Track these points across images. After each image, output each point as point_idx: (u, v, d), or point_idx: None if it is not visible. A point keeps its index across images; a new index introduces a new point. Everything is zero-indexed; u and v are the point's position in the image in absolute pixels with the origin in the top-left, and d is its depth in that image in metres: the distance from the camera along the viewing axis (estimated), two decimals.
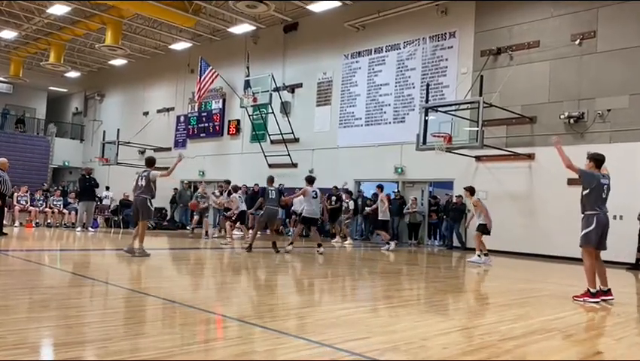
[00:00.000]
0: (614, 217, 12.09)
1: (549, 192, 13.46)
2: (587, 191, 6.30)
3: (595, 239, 6.26)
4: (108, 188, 21.71)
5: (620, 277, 10.07)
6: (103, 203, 19.31)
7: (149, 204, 8.64)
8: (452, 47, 15.84)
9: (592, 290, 6.20)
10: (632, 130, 12.35)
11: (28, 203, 16.73)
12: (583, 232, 6.31)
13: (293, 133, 19.40)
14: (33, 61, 26.79)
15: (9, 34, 22.84)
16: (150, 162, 8.93)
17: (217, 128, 22.63)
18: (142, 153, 25.55)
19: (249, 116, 20.48)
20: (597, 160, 6.48)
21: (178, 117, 24.71)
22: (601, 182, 6.30)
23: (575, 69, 13.38)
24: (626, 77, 12.56)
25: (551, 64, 13.80)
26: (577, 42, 13.33)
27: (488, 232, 10.97)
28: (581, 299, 6.21)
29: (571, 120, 13.16)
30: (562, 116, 13.30)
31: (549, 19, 13.93)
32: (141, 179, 8.69)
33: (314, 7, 17.74)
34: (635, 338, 4.65)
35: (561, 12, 13.75)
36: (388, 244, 13.55)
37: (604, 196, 6.30)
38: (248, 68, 20.31)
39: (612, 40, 12.84)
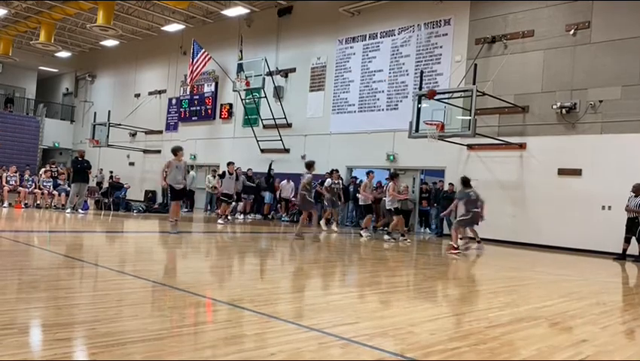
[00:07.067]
0: (602, 208, 12.35)
1: (539, 181, 13.55)
2: None
3: None
4: None
5: (607, 267, 10.20)
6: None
7: (309, 198, 11.13)
8: (446, 34, 15.79)
9: None
10: (623, 121, 12.42)
11: (17, 183, 16.59)
12: None
13: (285, 118, 19.32)
14: (23, 40, 26.39)
15: None
16: (310, 166, 11.04)
17: (210, 111, 22.50)
18: (133, 135, 25.41)
19: (242, 100, 20.36)
20: None
21: (170, 100, 24.53)
22: None
23: (569, 59, 13.40)
24: (619, 69, 12.59)
25: (545, 53, 13.81)
26: (572, 32, 13.33)
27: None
28: None
29: (564, 110, 13.21)
30: (554, 107, 13.35)
31: (544, 8, 13.91)
32: (303, 177, 11.06)
33: None
34: (619, 327, 4.72)
35: (556, 2, 13.72)
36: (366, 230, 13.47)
37: None
38: (241, 51, 20.15)
39: (606, 31, 12.85)
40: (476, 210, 10.56)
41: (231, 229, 13.02)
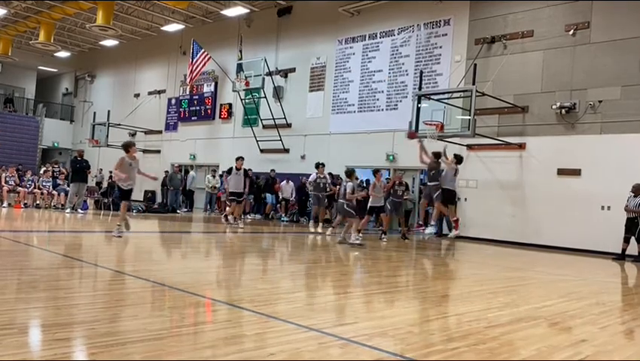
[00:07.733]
0: (602, 208, 12.36)
1: (539, 181, 13.55)
2: None
3: None
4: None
5: (606, 267, 10.21)
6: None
7: (346, 207, 10.86)
8: (446, 34, 15.79)
9: None
10: (622, 122, 12.42)
11: (17, 183, 16.58)
12: None
13: (285, 118, 19.32)
14: (22, 40, 26.36)
15: None
16: (351, 174, 11.10)
17: (209, 111, 22.49)
18: (133, 135, 25.38)
19: (241, 100, 20.36)
20: None
21: (170, 100, 24.52)
22: None
23: (568, 59, 13.39)
24: (618, 69, 12.58)
25: (545, 54, 13.81)
26: (571, 32, 13.33)
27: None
28: None
29: (563, 111, 13.20)
30: (553, 107, 13.34)
31: (544, 8, 13.90)
32: (343, 188, 11.17)
33: None
34: (618, 327, 4.72)
35: (555, 2, 13.72)
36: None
37: None
38: (240, 51, 20.14)
39: (606, 31, 12.85)
40: (435, 183, 11.37)
41: (234, 229, 12.99)
